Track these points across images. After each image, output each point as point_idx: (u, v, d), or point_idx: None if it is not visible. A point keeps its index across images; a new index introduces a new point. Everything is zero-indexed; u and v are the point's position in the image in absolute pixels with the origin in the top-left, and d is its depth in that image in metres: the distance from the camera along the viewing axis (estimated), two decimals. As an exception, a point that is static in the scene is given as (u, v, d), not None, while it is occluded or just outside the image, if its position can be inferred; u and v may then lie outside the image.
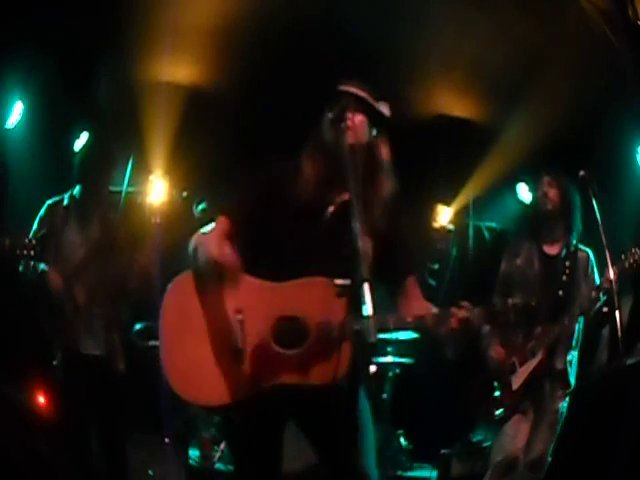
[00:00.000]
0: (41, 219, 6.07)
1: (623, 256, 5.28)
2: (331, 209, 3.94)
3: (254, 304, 3.78)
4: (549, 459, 5.53)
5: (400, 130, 8.52)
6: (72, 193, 6.15)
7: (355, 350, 3.66)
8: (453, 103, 9.00)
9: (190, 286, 3.88)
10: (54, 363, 5.92)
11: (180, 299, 3.90)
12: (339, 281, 3.71)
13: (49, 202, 6.15)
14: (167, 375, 3.83)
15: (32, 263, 5.82)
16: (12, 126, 7.60)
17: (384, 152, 4.03)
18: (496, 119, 8.80)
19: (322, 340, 3.67)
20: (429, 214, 9.68)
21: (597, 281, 5.70)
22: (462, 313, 3.75)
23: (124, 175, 7.50)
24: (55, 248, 5.92)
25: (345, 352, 3.65)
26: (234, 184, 4.18)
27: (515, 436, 5.65)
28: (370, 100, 3.99)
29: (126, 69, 8.28)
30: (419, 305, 3.98)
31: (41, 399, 5.96)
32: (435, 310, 3.84)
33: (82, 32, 7.33)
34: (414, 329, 3.82)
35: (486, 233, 9.31)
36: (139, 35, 7.59)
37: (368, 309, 3.21)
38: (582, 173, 5.33)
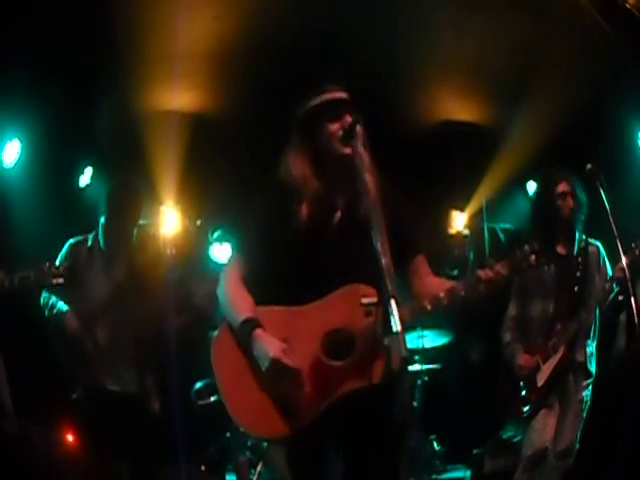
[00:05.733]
0: (63, 257, 6.06)
1: (634, 244, 5.32)
2: (338, 214, 4.00)
3: (298, 329, 3.84)
4: (577, 446, 5.64)
5: (409, 139, 8.63)
6: (96, 235, 6.16)
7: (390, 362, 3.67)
8: (458, 108, 9.03)
9: (232, 336, 3.93)
10: (79, 400, 5.93)
11: (227, 350, 3.93)
12: (366, 300, 3.74)
13: (72, 241, 6.16)
14: (239, 422, 3.90)
15: (52, 304, 5.89)
16: (11, 164, 7.43)
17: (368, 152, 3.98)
18: (501, 120, 8.85)
19: (370, 342, 3.70)
20: (444, 221, 9.75)
21: (609, 272, 5.78)
22: (489, 273, 3.81)
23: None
24: (78, 288, 5.95)
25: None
26: (243, 224, 4.20)
27: (543, 430, 5.70)
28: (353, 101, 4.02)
29: (126, 100, 8.27)
30: (432, 281, 4.05)
31: (70, 437, 6.01)
32: (459, 281, 3.89)
33: (79, 65, 7.32)
34: (449, 303, 3.80)
35: (501, 235, 9.33)
36: (137, 64, 7.61)
37: (397, 325, 3.19)
38: (589, 167, 5.33)
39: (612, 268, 5.73)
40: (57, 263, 5.87)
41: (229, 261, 4.25)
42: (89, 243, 6.17)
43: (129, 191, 6.27)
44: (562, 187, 5.91)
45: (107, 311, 5.98)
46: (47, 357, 6.19)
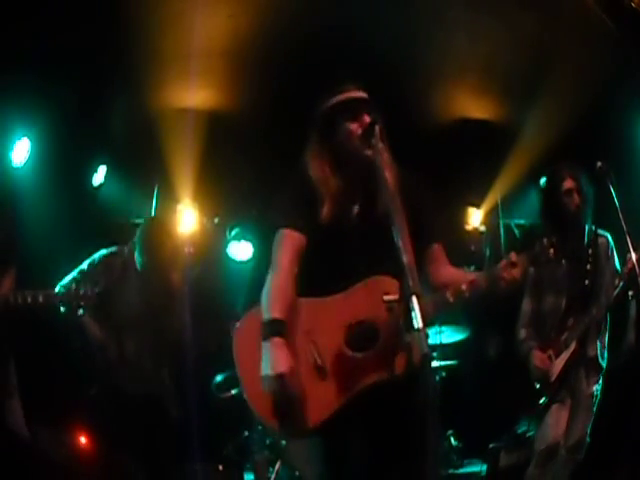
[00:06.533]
0: (94, 269, 6.05)
1: None
2: (359, 210, 4.05)
3: (321, 321, 3.86)
4: (588, 440, 5.67)
5: (425, 137, 8.67)
6: (131, 251, 6.16)
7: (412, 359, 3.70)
8: (473, 106, 9.04)
9: (256, 326, 3.88)
10: (93, 399, 5.97)
11: (250, 340, 3.89)
12: (387, 297, 3.75)
13: (104, 252, 6.14)
14: (258, 414, 3.86)
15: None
16: (22, 163, 7.31)
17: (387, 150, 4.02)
18: (515, 117, 8.85)
19: (393, 334, 3.71)
20: (461, 217, 9.80)
21: (618, 265, 5.79)
22: (510, 266, 3.85)
23: (151, 207, 7.56)
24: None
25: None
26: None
27: (556, 424, 5.71)
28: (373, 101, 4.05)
29: (142, 98, 8.28)
30: (449, 271, 4.10)
31: (83, 437, 6.03)
32: (480, 272, 3.95)
33: (93, 63, 7.30)
34: (471, 296, 3.83)
35: (516, 231, 9.35)
36: (152, 62, 7.65)
37: (418, 322, 3.17)
38: (599, 164, 5.37)
39: (620, 261, 5.75)
40: (77, 272, 5.99)
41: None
42: (124, 256, 6.18)
43: (162, 230, 6.30)
44: (568, 184, 5.90)
45: (136, 326, 6.01)
46: (62, 356, 6.21)
